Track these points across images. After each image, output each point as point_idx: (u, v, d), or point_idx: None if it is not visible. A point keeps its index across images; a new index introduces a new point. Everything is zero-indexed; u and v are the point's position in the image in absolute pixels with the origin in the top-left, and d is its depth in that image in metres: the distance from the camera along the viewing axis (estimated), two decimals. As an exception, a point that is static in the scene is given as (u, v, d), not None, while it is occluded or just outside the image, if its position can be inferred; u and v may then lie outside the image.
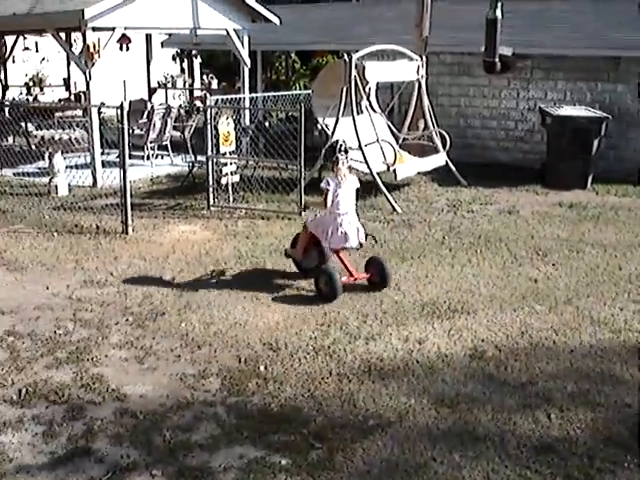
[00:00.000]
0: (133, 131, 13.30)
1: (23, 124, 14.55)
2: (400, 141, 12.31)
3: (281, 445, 4.50)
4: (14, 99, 17.86)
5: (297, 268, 7.60)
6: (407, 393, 5.14)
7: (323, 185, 7.07)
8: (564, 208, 10.72)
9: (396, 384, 5.27)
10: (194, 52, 21.94)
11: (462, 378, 5.39)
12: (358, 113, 10.90)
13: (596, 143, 12.03)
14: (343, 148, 7.03)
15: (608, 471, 4.30)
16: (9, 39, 15.56)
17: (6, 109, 15.07)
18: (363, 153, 10.56)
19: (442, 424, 4.77)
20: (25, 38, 19.01)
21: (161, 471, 4.24)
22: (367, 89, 11.43)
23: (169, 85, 21.55)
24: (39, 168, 12.51)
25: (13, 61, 17.61)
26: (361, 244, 7.27)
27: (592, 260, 8.23)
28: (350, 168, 7.33)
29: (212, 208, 10.34)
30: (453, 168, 12.15)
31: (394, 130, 12.28)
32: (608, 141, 12.74)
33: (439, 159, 12.10)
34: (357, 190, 7.28)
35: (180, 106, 17.46)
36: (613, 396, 5.17)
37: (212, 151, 10.38)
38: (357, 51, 11.08)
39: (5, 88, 17.34)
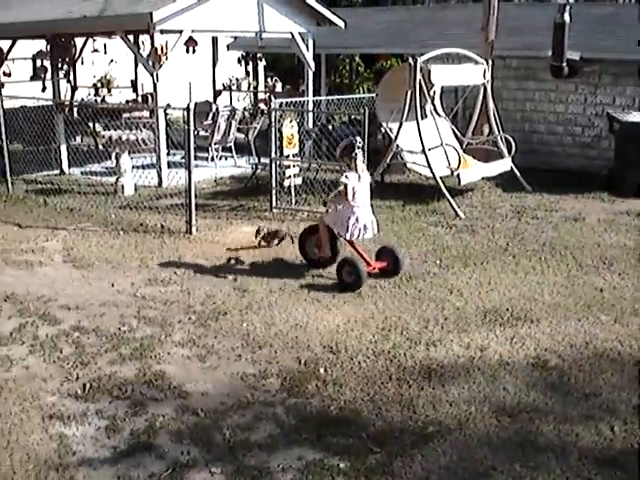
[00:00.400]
0: (198, 132, 13.48)
1: (91, 124, 14.91)
2: (464, 145, 12.20)
3: (339, 448, 4.51)
4: (83, 100, 18.28)
5: (306, 260, 7.99)
6: (468, 400, 5.09)
7: (343, 179, 7.41)
8: (631, 216, 10.46)
9: (457, 391, 5.22)
10: (259, 55, 22.14)
11: (524, 387, 5.31)
12: (422, 117, 10.84)
13: (666, 151, 11.72)
14: (359, 145, 7.42)
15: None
16: (79, 41, 15.92)
17: (75, 109, 15.45)
18: (427, 157, 10.51)
19: (503, 433, 4.71)
20: (94, 40, 19.42)
21: (220, 469, 4.29)
22: (432, 93, 11.36)
23: (234, 87, 21.75)
24: (106, 168, 12.78)
25: (82, 62, 17.99)
26: (374, 235, 7.71)
27: (661, 270, 8.02)
28: (364, 163, 7.70)
29: (274, 210, 10.41)
30: (518, 174, 11.99)
31: (458, 134, 12.19)
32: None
33: (504, 164, 11.95)
34: (371, 185, 7.77)
35: (244, 108, 17.65)
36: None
37: (276, 153, 10.45)
38: (422, 54, 11.02)
39: (74, 89, 17.76)
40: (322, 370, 5.52)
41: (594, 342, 6.09)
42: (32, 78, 18.55)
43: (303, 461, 4.37)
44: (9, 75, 17.44)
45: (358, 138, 7.56)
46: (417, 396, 5.14)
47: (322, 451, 4.47)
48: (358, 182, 7.40)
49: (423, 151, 10.50)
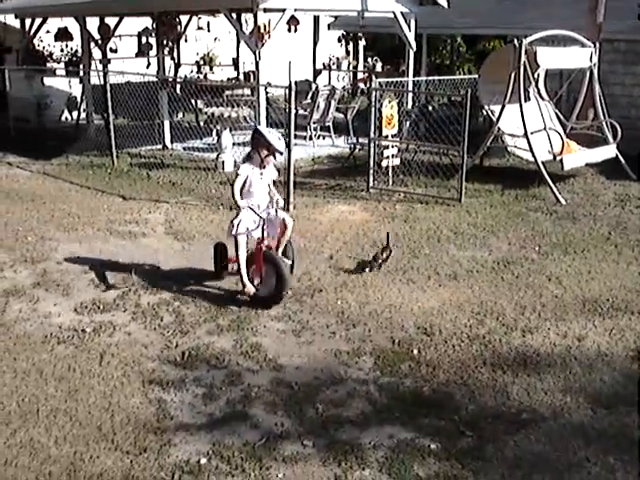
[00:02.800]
0: (297, 111, 13.53)
1: (193, 101, 15.22)
2: (568, 130, 11.87)
3: (431, 429, 4.52)
4: (186, 77, 18.67)
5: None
6: (563, 390, 5.01)
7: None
8: None
9: (552, 380, 5.14)
10: (359, 34, 22.07)
11: (622, 379, 5.18)
12: (525, 100, 10.61)
13: None
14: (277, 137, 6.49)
15: None
16: (183, 19, 16.23)
17: (178, 86, 15.79)
18: (529, 141, 10.29)
19: (598, 425, 4.62)
20: (199, 18, 19.75)
21: (312, 442, 4.37)
22: (536, 75, 11.08)
23: (334, 67, 21.77)
24: (207, 144, 13.04)
25: (186, 40, 18.35)
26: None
27: None
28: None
29: (371, 190, 10.41)
30: (623, 161, 11.59)
31: (562, 119, 11.87)
32: None
33: (609, 151, 11.58)
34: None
35: (343, 88, 17.64)
36: None
37: (374, 133, 10.43)
38: (526, 36, 10.76)
39: (178, 66, 18.15)
40: (416, 351, 5.53)
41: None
42: (137, 55, 19.03)
43: (394, 439, 4.41)
44: (115, 51, 17.97)
45: (274, 132, 6.71)
46: (511, 382, 5.09)
47: (413, 431, 4.49)
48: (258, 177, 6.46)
49: (525, 134, 10.28)
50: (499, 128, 10.82)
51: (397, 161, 10.63)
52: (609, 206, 9.90)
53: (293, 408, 4.74)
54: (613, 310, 6.35)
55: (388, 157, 10.48)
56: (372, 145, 10.48)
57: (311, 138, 13.81)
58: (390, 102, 10.45)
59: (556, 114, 11.82)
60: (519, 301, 6.51)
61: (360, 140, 12.35)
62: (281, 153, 6.59)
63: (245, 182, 6.40)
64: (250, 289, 6.39)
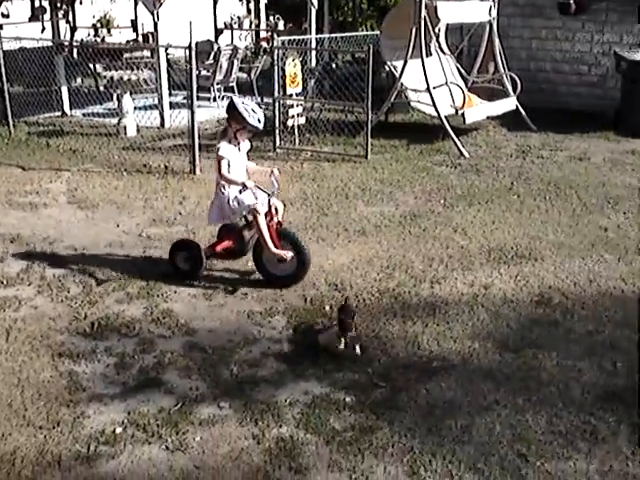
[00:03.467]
0: (200, 72, 13.32)
1: (92, 65, 14.73)
2: (469, 84, 12.07)
3: (345, 383, 4.58)
4: (82, 40, 18.04)
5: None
6: (472, 337, 5.15)
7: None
8: (637, 156, 10.41)
9: (460, 327, 5.28)
10: (261, -8, 21.77)
11: (528, 324, 5.36)
12: (427, 55, 10.71)
13: (673, 89, 11.58)
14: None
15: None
16: (77, -21, 15.69)
17: (75, 50, 15.25)
18: (431, 96, 10.41)
19: (506, 368, 4.77)
20: (94, -22, 19.12)
21: (228, 404, 4.36)
22: (437, 30, 11.19)
23: (235, 26, 21.44)
24: (108, 109, 12.69)
25: (80, 2, 17.68)
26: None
27: (665, 209, 8.02)
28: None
29: (278, 150, 10.36)
30: (523, 113, 11.89)
31: (463, 73, 12.04)
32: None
33: (509, 103, 11.84)
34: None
35: (246, 47, 17.41)
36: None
37: (279, 92, 10.36)
38: (427, -9, 10.82)
39: (73, 30, 17.50)
40: (328, 307, 5.58)
41: (597, 280, 6.13)
42: (31, 19, 18.28)
43: (310, 395, 4.45)
44: (7, 16, 17.17)
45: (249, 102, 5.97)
46: (421, 333, 5.20)
47: (328, 386, 4.54)
48: (239, 156, 5.99)
49: (428, 89, 10.40)
50: (402, 84, 10.90)
51: (303, 120, 10.60)
52: (511, 157, 10.15)
53: (207, 371, 4.72)
54: (517, 258, 6.55)
55: (293, 116, 10.43)
56: (277, 104, 10.40)
57: (215, 99, 13.60)
58: (293, 60, 10.37)
59: (457, 68, 11.98)
60: (427, 253, 6.63)
61: (265, 100, 12.25)
62: (257, 129, 5.87)
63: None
64: (287, 253, 5.81)
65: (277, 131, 10.40)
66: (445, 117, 10.53)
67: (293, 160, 9.92)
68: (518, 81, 11.78)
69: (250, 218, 5.98)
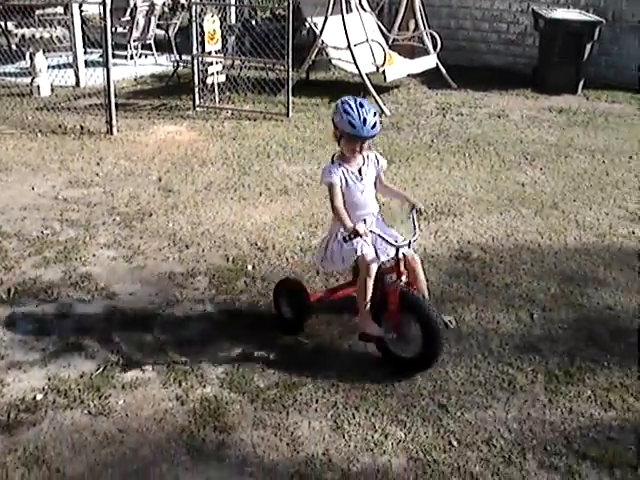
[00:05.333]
0: (116, 30, 12.96)
1: (2, 23, 14.13)
2: (390, 42, 12.07)
3: (269, 341, 4.59)
4: (-8, -5, 17.26)
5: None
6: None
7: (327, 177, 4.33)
8: (554, 113, 10.64)
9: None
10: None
11: (447, 278, 5.46)
12: (347, 12, 10.64)
13: (588, 48, 11.82)
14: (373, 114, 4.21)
15: (588, 369, 4.42)
16: None
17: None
18: (352, 53, 10.37)
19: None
20: None
21: (151, 366, 4.32)
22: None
23: (152, -18, 20.85)
24: (20, 68, 12.21)
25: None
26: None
27: (580, 165, 8.23)
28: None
29: (198, 109, 10.19)
30: (443, 70, 11.97)
31: (384, 30, 12.03)
32: (601, 46, 12.54)
33: (429, 61, 11.90)
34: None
35: (164, 3, 16.96)
36: (596, 298, 5.26)
37: (197, 50, 10.15)
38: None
39: (-19, -15, 16.72)
40: (250, 267, 5.56)
41: (515, 235, 6.28)
42: None
43: (233, 355, 4.45)
44: None
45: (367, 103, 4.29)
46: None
47: (253, 344, 4.55)
48: (356, 180, 4.36)
49: (348, 47, 10.35)
50: (323, 41, 10.81)
51: (223, 78, 10.43)
52: (431, 115, 10.23)
53: (129, 334, 4.66)
54: (437, 214, 6.65)
55: (213, 74, 10.25)
56: (196, 62, 10.20)
57: (132, 57, 13.25)
58: (212, 17, 10.16)
59: (378, 26, 11.95)
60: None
61: (183, 57, 12.01)
62: (372, 137, 4.24)
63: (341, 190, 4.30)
64: (378, 330, 4.36)
65: (196, 89, 10.21)
66: (366, 75, 10.51)
67: (213, 119, 9.77)
68: (438, 39, 11.83)
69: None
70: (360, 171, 4.35)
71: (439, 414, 3.99)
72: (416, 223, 4.37)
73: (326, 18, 10.56)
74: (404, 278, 4.28)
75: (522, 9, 13.68)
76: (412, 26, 12.54)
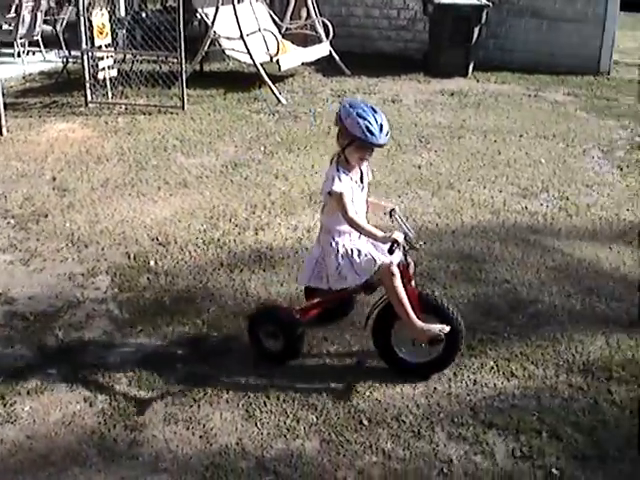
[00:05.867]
0: (1, 27, 12.50)
1: None
2: (283, 31, 12.08)
3: (176, 336, 4.57)
4: None
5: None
6: (296, 279, 5.25)
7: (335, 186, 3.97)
8: (446, 96, 10.89)
9: (286, 271, 5.38)
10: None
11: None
12: (239, 1, 10.59)
13: (477, 31, 12.15)
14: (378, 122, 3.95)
15: (490, 341, 4.59)
16: None
17: None
18: (245, 43, 10.33)
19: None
20: None
21: (56, 370, 4.23)
22: (247, -24, 11.08)
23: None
24: None
25: None
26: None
27: (473, 146, 8.48)
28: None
29: (90, 105, 9.94)
30: (337, 58, 12.07)
31: (276, 19, 12.03)
32: (489, 29, 12.91)
33: (323, 49, 11.98)
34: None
35: (49, -2, 16.46)
36: (493, 273, 5.46)
37: (87, 44, 9.90)
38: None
39: None
40: (153, 263, 5.50)
41: (414, 216, 6.42)
42: None
43: (140, 352, 4.41)
44: None
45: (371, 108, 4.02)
46: (249, 280, 5.25)
47: (159, 341, 4.52)
48: (359, 189, 4.15)
49: (241, 37, 10.30)
50: (215, 32, 10.72)
51: (114, 72, 10.21)
52: (327, 102, 10.31)
53: (31, 339, 4.53)
54: (337, 200, 6.72)
55: (104, 69, 10.03)
56: (85, 57, 9.95)
57: (19, 55, 12.78)
58: (101, 10, 9.93)
59: (270, 15, 11.95)
60: (249, 201, 6.66)
61: (73, 53, 11.68)
62: (374, 144, 3.96)
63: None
64: (444, 327, 4.07)
65: (87, 85, 9.96)
66: (260, 64, 10.50)
67: (107, 115, 9.56)
68: (330, 27, 11.92)
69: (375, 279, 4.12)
70: (362, 179, 4.13)
71: (349, 395, 4.06)
72: (407, 224, 4.19)
73: (217, 8, 10.48)
74: (413, 281, 4.15)
75: (412, -5, 13.91)
76: (304, 14, 12.58)
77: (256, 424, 3.83)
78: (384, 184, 7.13)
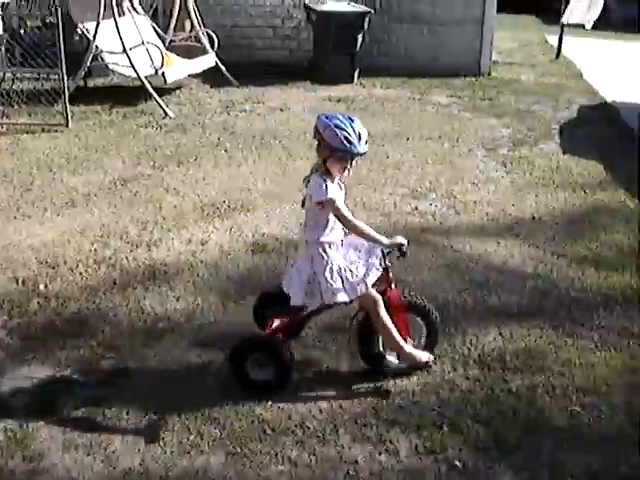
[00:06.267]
0: None
1: None
2: (167, 43, 11.95)
3: (71, 361, 4.43)
4: None
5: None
6: (194, 293, 5.21)
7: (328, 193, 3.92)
8: (333, 102, 11.02)
9: (182, 286, 5.31)
10: None
11: (246, 272, 5.53)
12: (120, 15, 10.40)
13: (360, 37, 12.36)
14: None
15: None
16: None
17: None
18: (128, 57, 10.16)
19: (226, 316, 4.92)
20: None
21: (-62, 411, 4.03)
22: (127, -11, 10.91)
23: None
24: None
25: None
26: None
27: (362, 150, 8.58)
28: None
29: (-31, 126, 9.56)
30: (223, 68, 12.03)
31: (160, 32, 11.89)
32: (372, 35, 13.15)
33: (208, 60, 11.91)
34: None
35: None
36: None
37: (-39, 64, 9.52)
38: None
39: None
40: (42, 286, 5.31)
41: (306, 222, 6.46)
42: None
43: (34, 380, 4.25)
44: None
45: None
46: (143, 297, 5.15)
47: (53, 367, 4.37)
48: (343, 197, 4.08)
49: (124, 51, 10.13)
50: (97, 46, 10.50)
51: (-7, 91, 9.86)
52: (215, 113, 10.26)
53: None
54: (230, 210, 6.69)
55: (-19, 88, 9.66)
56: (-39, 77, 9.57)
57: None
58: (-27, 28, 9.56)
59: (153, 27, 11.79)
60: (141, 217, 6.54)
61: (-53, 73, 11.20)
62: (361, 155, 4.01)
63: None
64: (429, 357, 4.35)
65: (-35, 106, 9.58)
66: (146, 78, 10.35)
67: (-13, 136, 9.21)
68: (215, 38, 11.88)
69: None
70: (342, 188, 4.05)
71: (252, 405, 4.04)
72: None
73: (98, 23, 10.26)
74: (393, 285, 4.16)
75: (295, 4, 14.00)
76: (188, 26, 12.49)
77: (159, 444, 3.77)
78: (276, 193, 7.14)
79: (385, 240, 4.04)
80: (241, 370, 4.18)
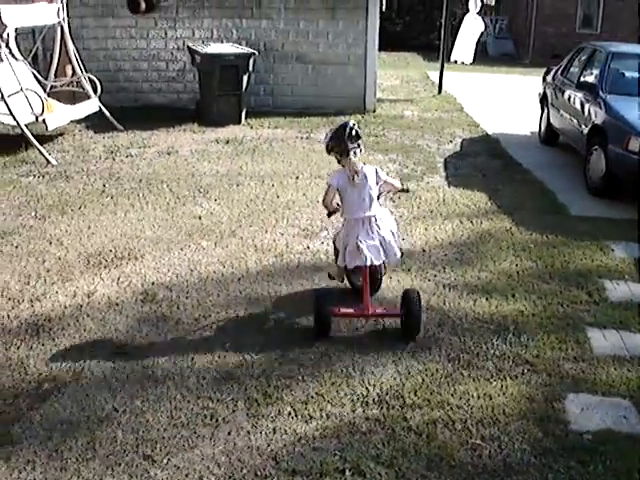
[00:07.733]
0: None
1: None
2: (48, 89, 11.63)
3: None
4: None
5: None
6: (81, 349, 4.98)
7: (328, 180, 5.46)
8: (221, 144, 10.96)
9: (68, 342, 5.06)
10: None
11: (135, 324, 5.34)
12: (-3, 62, 10.06)
13: (246, 78, 12.39)
14: (354, 133, 5.19)
15: (284, 386, 4.58)
16: None
17: None
18: (7, 104, 9.81)
19: (120, 374, 4.70)
20: None
21: None
22: (5, 35, 10.54)
23: None
24: None
25: None
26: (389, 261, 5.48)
27: (251, 192, 8.55)
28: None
29: None
30: (107, 113, 11.79)
31: (40, 78, 11.55)
32: (257, 76, 13.21)
33: (91, 105, 11.64)
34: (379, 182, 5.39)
35: None
36: (278, 315, 5.53)
37: None
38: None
39: None
40: None
41: (198, 268, 6.33)
42: None
43: None
44: None
45: (352, 122, 5.29)
46: (27, 356, 4.87)
47: None
48: (350, 186, 5.24)
49: (2, 98, 9.77)
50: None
51: None
52: (100, 159, 10.00)
53: None
54: (117, 260, 6.47)
55: None
56: None
57: None
58: None
59: (33, 74, 11.45)
60: (22, 271, 6.22)
61: None
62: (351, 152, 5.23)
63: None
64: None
65: None
66: (25, 125, 10.01)
67: None
68: (97, 82, 11.64)
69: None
70: (354, 178, 5.27)
71: (145, 466, 3.86)
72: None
73: (-29, 71, 9.89)
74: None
75: (178, 46, 13.96)
76: (69, 71, 12.20)
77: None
78: (165, 239, 6.98)
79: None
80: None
